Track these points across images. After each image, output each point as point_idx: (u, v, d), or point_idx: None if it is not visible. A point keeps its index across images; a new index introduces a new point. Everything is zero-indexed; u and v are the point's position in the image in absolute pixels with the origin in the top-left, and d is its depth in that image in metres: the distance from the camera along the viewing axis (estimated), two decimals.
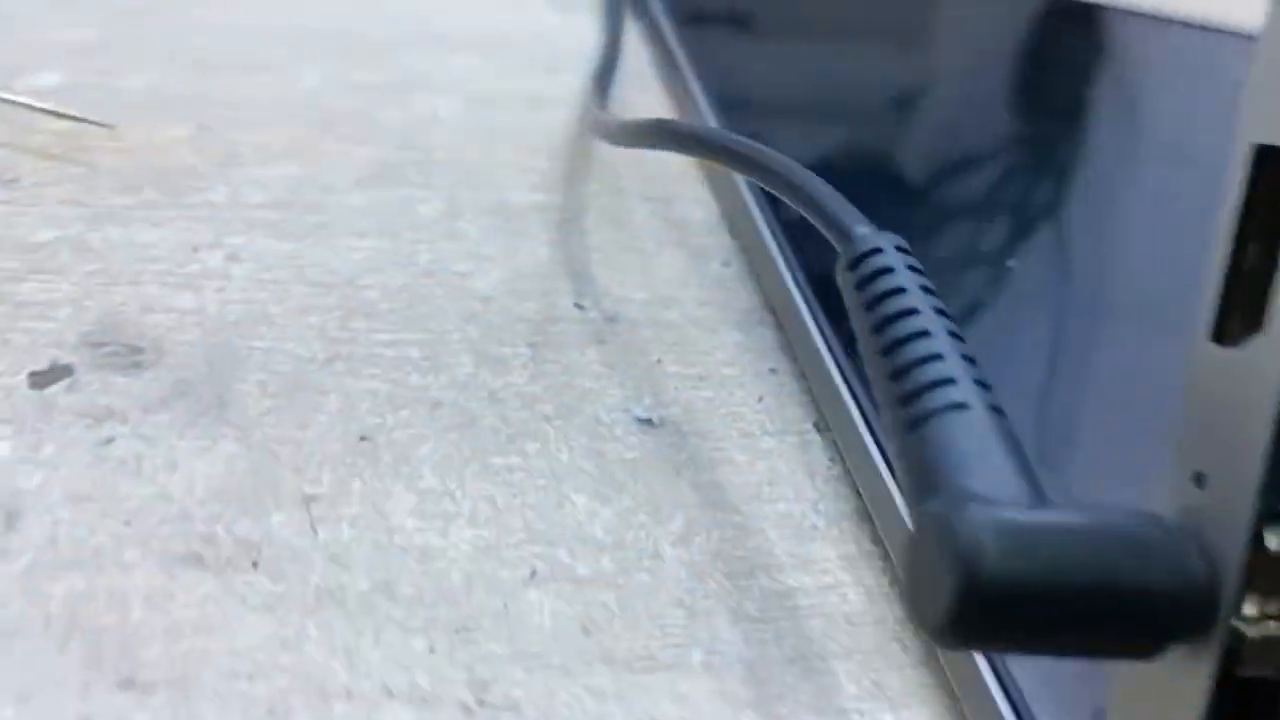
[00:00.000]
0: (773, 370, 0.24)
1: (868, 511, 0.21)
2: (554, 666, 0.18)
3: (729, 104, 0.30)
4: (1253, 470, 0.13)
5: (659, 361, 0.23)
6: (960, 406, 0.14)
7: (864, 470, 0.21)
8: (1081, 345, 0.25)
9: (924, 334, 0.15)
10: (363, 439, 0.20)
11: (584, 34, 0.35)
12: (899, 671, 0.19)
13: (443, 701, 0.17)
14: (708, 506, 0.21)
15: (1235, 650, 0.14)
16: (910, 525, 0.14)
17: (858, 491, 0.21)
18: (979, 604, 0.13)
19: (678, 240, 0.27)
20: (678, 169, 0.30)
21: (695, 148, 0.21)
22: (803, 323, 0.24)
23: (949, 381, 0.14)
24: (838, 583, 0.20)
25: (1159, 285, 0.27)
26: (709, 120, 0.30)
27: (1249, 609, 0.14)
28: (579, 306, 0.24)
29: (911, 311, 0.15)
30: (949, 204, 0.29)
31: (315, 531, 0.19)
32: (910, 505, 0.14)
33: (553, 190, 0.28)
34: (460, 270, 0.25)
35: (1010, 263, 0.27)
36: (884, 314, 0.15)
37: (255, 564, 0.18)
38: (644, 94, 0.33)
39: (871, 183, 0.29)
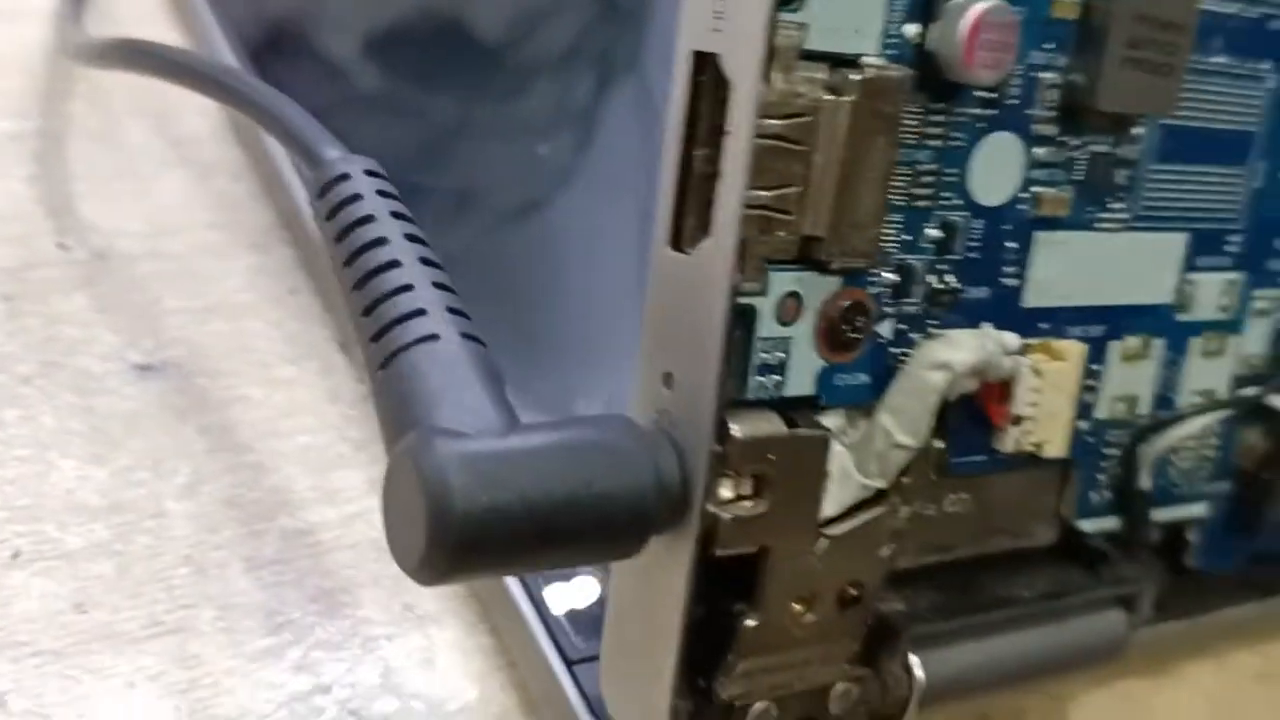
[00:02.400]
0: (292, 291, 0.23)
1: None
2: (45, 652, 0.16)
3: None
4: (712, 365, 0.14)
5: (159, 299, 0.22)
6: (430, 338, 0.14)
7: None
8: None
9: (394, 264, 0.14)
10: None
11: None
12: (429, 590, 0.19)
13: None
14: (218, 451, 0.19)
15: (712, 532, 0.14)
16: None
17: None
18: (451, 538, 0.13)
19: (179, 158, 0.25)
20: None
21: (161, 71, 0.19)
22: (314, 238, 0.23)
23: (419, 313, 0.14)
24: (364, 510, 0.19)
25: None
26: (210, 18, 0.27)
27: (725, 492, 0.14)
28: (62, 247, 0.22)
29: (380, 241, 0.14)
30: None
31: None
32: (386, 446, 0.14)
33: (26, 115, 0.25)
34: None
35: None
36: (353, 246, 0.15)
37: None
38: None
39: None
